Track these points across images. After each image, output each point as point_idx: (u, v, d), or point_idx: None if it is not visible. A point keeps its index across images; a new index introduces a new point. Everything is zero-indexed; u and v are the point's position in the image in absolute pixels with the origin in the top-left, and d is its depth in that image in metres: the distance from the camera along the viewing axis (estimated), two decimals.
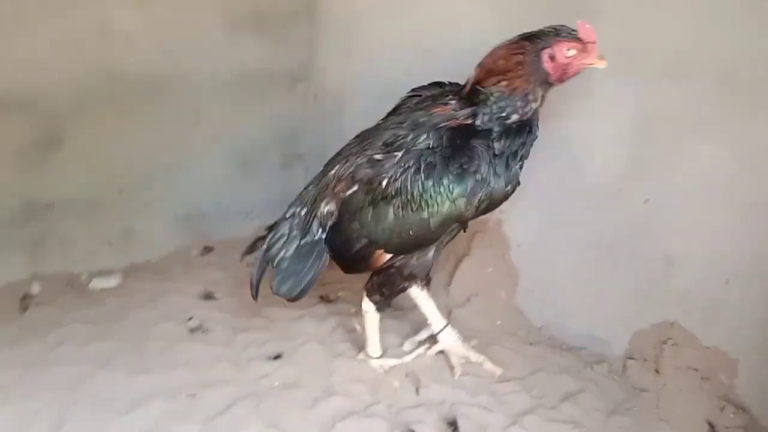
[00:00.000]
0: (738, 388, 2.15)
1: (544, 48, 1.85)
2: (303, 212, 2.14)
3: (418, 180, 1.88)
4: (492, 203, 1.95)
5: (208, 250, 3.12)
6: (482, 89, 1.93)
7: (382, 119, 2.19)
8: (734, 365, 2.16)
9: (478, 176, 1.87)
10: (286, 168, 3.43)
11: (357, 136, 2.16)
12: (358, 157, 2.04)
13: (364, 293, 2.22)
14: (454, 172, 1.86)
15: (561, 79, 1.89)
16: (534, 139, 1.97)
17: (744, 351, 2.13)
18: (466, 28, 2.62)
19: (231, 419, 1.98)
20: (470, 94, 1.96)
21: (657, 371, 2.27)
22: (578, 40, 1.82)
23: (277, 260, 2.13)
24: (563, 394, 2.21)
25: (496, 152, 1.89)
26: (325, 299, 2.72)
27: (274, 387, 2.14)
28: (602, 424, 2.10)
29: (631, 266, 2.34)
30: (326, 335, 2.44)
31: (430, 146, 1.91)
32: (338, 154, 2.17)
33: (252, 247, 2.31)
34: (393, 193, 1.92)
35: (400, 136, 1.97)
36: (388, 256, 2.05)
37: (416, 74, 2.85)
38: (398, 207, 1.92)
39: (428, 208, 1.89)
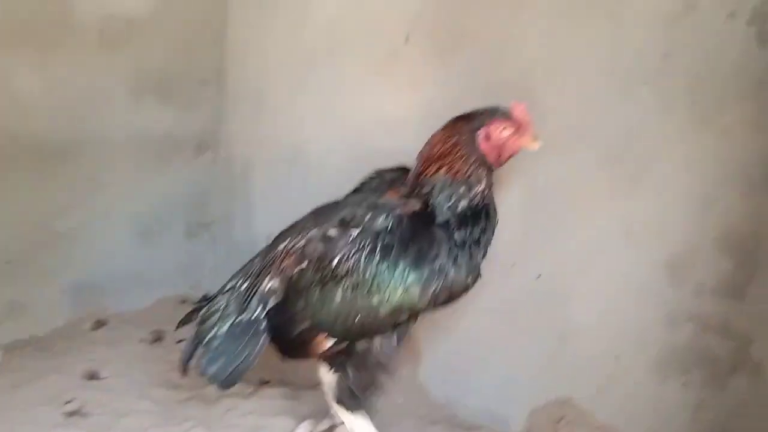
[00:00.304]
0: None
1: (478, 128, 1.81)
2: (243, 286, 1.97)
3: (372, 261, 1.76)
4: (452, 295, 1.82)
5: (100, 324, 2.94)
6: (426, 179, 1.86)
7: (343, 197, 2.10)
8: None
9: (437, 264, 1.75)
10: (191, 237, 3.32)
11: (312, 212, 2.03)
12: (311, 231, 1.90)
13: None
14: (412, 256, 1.75)
15: (499, 161, 1.84)
16: (495, 225, 1.89)
17: (635, 428, 2.12)
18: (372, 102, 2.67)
19: None
20: (416, 187, 1.88)
21: None
22: (513, 119, 1.80)
23: (207, 338, 1.94)
24: None
25: (458, 242, 1.79)
26: None
27: None
28: None
29: (527, 341, 2.33)
30: (216, 419, 2.30)
31: (389, 227, 1.79)
32: (291, 227, 2.03)
33: (187, 319, 2.11)
34: (343, 272, 1.78)
35: (358, 214, 1.85)
36: (331, 342, 1.89)
37: (324, 141, 2.92)
38: (347, 288, 1.79)
39: (379, 293, 1.76)
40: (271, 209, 3.22)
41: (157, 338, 2.87)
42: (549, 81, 2.16)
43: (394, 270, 1.75)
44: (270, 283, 1.93)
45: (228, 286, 2.02)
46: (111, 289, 3.03)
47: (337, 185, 2.89)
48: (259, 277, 1.95)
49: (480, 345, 2.47)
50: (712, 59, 1.84)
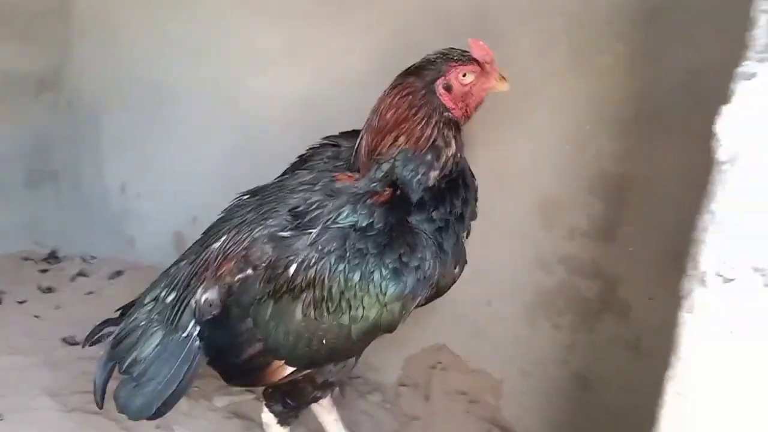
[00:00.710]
0: (503, 409, 2.17)
1: (434, 79, 1.51)
2: (170, 298, 1.61)
3: (341, 271, 1.41)
4: (438, 293, 1.58)
5: None
6: (382, 156, 1.53)
7: (287, 172, 1.73)
8: (499, 386, 2.18)
9: (421, 271, 1.44)
10: (32, 187, 3.00)
11: (252, 193, 1.66)
12: (256, 227, 1.52)
13: (263, 401, 1.71)
14: (391, 266, 1.41)
15: (466, 114, 1.55)
16: (476, 191, 1.64)
17: (506, 371, 2.15)
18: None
19: None
20: (371, 167, 1.54)
21: (427, 398, 2.24)
22: (474, 61, 1.51)
23: (127, 363, 1.58)
24: None
25: (440, 226, 1.51)
26: (69, 341, 2.34)
27: None
28: None
29: None
30: (62, 387, 2.08)
31: (358, 225, 1.45)
32: (224, 219, 1.64)
33: (96, 335, 1.71)
34: (303, 285, 1.43)
35: (313, 203, 1.50)
36: (290, 369, 1.54)
37: (186, 80, 2.67)
38: (309, 305, 1.44)
39: (350, 310, 1.42)
40: (127, 158, 2.95)
41: None
42: (425, 19, 2.07)
43: (369, 282, 1.41)
44: (206, 295, 1.55)
45: (148, 298, 1.65)
46: None
47: (206, 131, 2.70)
48: (189, 286, 1.59)
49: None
50: (590, 1, 1.82)
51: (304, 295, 1.43)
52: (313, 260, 1.42)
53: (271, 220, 1.51)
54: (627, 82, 1.77)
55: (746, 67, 0.65)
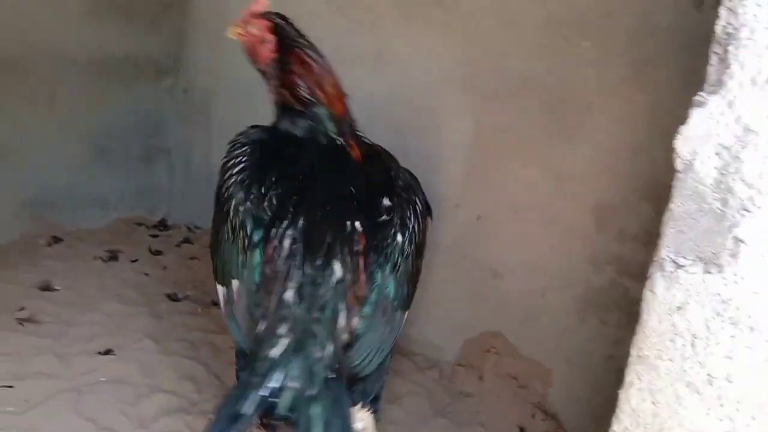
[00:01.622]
0: (551, 395, 2.31)
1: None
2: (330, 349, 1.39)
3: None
4: None
5: (56, 240, 3.00)
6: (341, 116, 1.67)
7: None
8: (548, 374, 2.32)
9: None
10: (148, 161, 3.37)
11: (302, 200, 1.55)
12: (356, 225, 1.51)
13: (363, 409, 1.60)
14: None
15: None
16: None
17: (557, 361, 2.29)
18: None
19: (46, 412, 1.92)
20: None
21: (481, 378, 2.41)
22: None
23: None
24: (391, 396, 2.29)
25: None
26: (171, 297, 2.69)
27: (98, 382, 2.10)
28: (423, 424, 2.20)
29: (465, 277, 2.47)
30: (163, 334, 2.41)
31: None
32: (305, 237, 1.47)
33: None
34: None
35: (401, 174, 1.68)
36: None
37: None
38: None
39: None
40: (229, 140, 3.26)
41: (112, 257, 2.94)
42: (498, 27, 2.25)
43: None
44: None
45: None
46: (67, 206, 3.08)
47: None
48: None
49: (424, 279, 2.59)
50: (651, 20, 1.94)
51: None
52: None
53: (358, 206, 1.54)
54: (682, 96, 1.87)
55: (699, 97, 0.82)
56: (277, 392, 1.31)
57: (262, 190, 1.51)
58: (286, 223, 1.45)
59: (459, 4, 2.33)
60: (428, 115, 2.44)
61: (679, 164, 0.84)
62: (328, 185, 1.54)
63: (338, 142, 1.62)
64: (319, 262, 1.42)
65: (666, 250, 0.86)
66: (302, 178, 1.54)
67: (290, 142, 1.61)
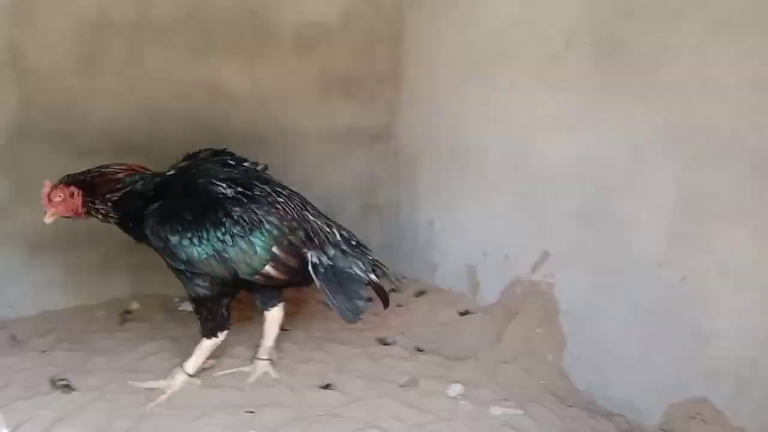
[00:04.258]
0: None
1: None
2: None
3: None
4: None
5: None
6: None
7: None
8: None
9: None
10: (363, 217, 3.77)
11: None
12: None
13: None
14: None
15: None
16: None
17: None
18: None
19: None
20: None
21: None
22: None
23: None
24: None
25: None
26: (381, 341, 2.98)
27: (320, 414, 2.39)
28: None
29: (669, 339, 2.43)
30: (377, 374, 2.67)
31: None
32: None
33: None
34: None
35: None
36: None
37: (483, 139, 3.19)
38: None
39: None
40: (435, 199, 3.56)
41: None
42: (702, 91, 2.26)
43: None
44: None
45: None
46: None
47: (497, 182, 3.16)
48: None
49: (623, 339, 2.59)
50: None
51: None
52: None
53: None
54: None
55: None
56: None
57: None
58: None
59: (659, 70, 2.38)
60: (629, 176, 2.48)
61: None
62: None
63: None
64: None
65: None
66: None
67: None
